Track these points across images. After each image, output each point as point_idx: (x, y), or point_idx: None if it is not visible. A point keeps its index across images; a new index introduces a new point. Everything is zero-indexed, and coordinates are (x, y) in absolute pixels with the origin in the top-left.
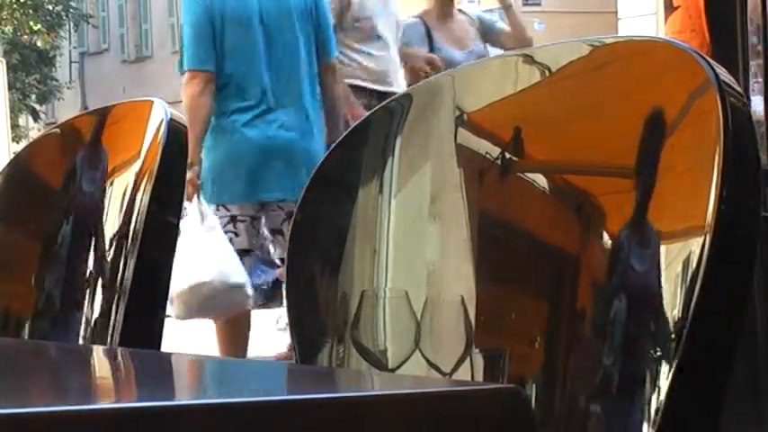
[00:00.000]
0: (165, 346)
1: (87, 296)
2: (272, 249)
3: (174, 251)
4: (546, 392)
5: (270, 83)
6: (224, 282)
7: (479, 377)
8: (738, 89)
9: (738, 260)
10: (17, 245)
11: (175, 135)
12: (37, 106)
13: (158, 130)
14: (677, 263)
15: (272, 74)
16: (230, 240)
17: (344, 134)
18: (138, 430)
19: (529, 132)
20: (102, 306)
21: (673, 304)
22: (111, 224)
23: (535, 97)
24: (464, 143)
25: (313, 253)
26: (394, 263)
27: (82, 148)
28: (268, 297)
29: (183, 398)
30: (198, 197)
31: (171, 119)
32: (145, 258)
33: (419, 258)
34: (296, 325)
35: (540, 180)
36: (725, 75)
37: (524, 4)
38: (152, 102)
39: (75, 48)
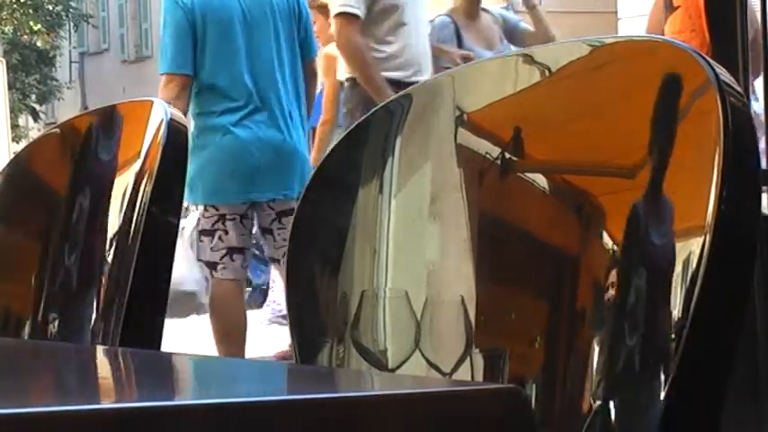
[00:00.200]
0: (165, 346)
1: (87, 296)
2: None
3: (173, 251)
4: (546, 392)
5: (255, 83)
6: (175, 290)
7: (479, 377)
8: (738, 89)
9: (738, 260)
10: (17, 245)
11: (175, 135)
12: (37, 106)
13: (158, 130)
14: (677, 263)
15: (256, 74)
16: (219, 239)
17: (345, 134)
18: (137, 430)
19: (529, 132)
20: (102, 306)
21: (673, 304)
22: (110, 224)
23: (535, 97)
24: (464, 143)
25: (313, 253)
26: (394, 263)
27: (82, 148)
28: (267, 296)
29: (183, 398)
30: None
31: (171, 119)
32: (145, 258)
33: (419, 258)
34: (296, 325)
35: (540, 180)
36: (725, 75)
37: (524, 4)
38: (152, 102)
39: (75, 48)
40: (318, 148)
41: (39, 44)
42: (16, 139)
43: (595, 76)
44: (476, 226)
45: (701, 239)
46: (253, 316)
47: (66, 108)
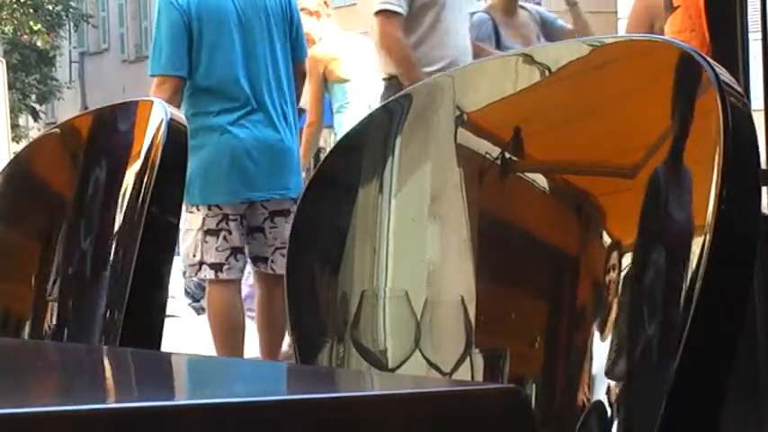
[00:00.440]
0: (165, 346)
1: (87, 296)
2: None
3: (173, 251)
4: (546, 392)
5: (251, 84)
6: None
7: (479, 377)
8: (738, 89)
9: (738, 260)
10: (17, 245)
11: (175, 135)
12: (37, 106)
13: (158, 130)
14: (677, 263)
15: (252, 75)
16: (224, 239)
17: (344, 134)
18: (137, 430)
19: (529, 132)
20: (102, 306)
21: (673, 304)
22: (110, 224)
23: (535, 97)
24: (464, 143)
25: (313, 253)
26: (394, 263)
27: (82, 148)
28: None
29: (183, 398)
30: None
31: (171, 119)
32: (145, 258)
33: (419, 258)
34: (296, 325)
35: (540, 180)
36: (725, 75)
37: (565, 1)
38: (152, 102)
39: (75, 48)
40: (306, 150)
41: (39, 44)
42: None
43: (595, 76)
44: (476, 226)
45: (701, 239)
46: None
47: (66, 108)
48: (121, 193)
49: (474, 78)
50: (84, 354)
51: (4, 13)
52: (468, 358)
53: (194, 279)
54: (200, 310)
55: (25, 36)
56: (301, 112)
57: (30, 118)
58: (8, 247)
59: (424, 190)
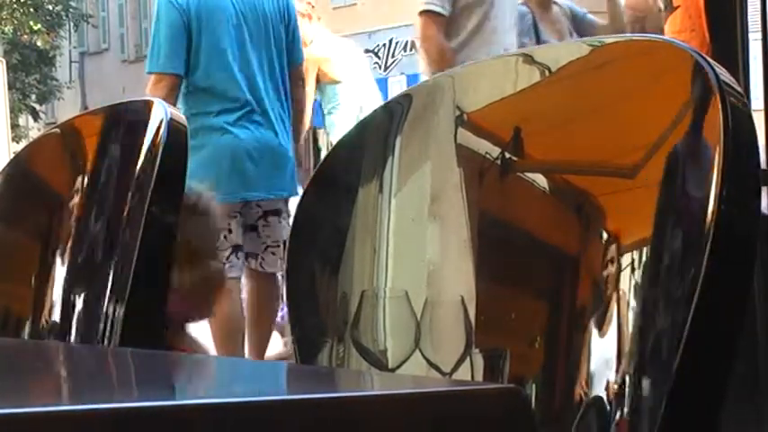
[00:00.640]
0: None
1: (87, 296)
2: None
3: (173, 251)
4: (546, 392)
5: (249, 85)
6: None
7: (479, 377)
8: (738, 89)
9: (738, 260)
10: (17, 245)
11: (175, 135)
12: (37, 106)
13: (158, 130)
14: (677, 263)
15: (250, 77)
16: (225, 237)
17: (344, 134)
18: (137, 430)
19: (529, 132)
20: (102, 306)
21: (673, 304)
22: (110, 224)
23: (535, 97)
24: (464, 143)
25: (313, 253)
26: (394, 263)
27: (82, 148)
28: None
29: (183, 398)
30: None
31: (171, 119)
32: (145, 259)
33: (419, 258)
34: (296, 325)
35: (540, 180)
36: (725, 75)
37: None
38: (152, 101)
39: (75, 48)
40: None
41: (39, 44)
42: (16, 139)
43: (595, 76)
44: (476, 226)
45: (701, 239)
46: None
47: (66, 108)
48: (121, 192)
49: (474, 78)
50: (83, 353)
51: (4, 13)
52: (468, 358)
53: None
54: None
55: (25, 36)
56: None
57: (30, 118)
58: (8, 247)
59: (424, 190)
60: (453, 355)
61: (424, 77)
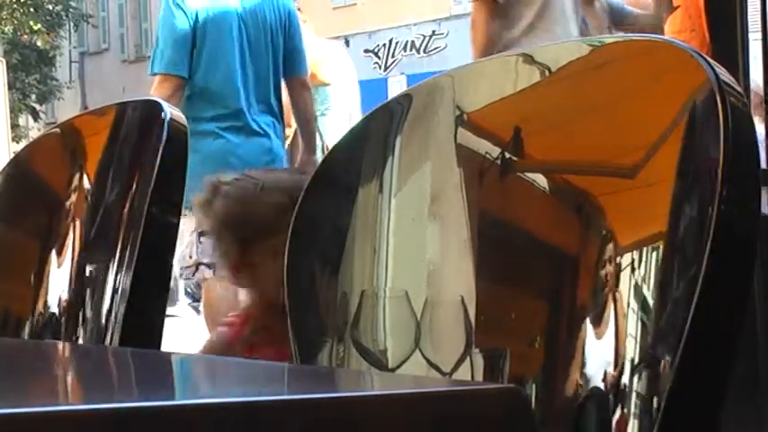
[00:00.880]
0: (165, 346)
1: (87, 296)
2: None
3: (173, 251)
4: (546, 392)
5: (246, 92)
6: None
7: (479, 377)
8: (738, 89)
9: (738, 260)
10: (17, 245)
11: (175, 135)
12: (37, 106)
13: (159, 130)
14: (677, 263)
15: (246, 83)
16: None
17: (344, 134)
18: (137, 430)
19: (529, 132)
20: (102, 306)
21: (672, 304)
22: (110, 224)
23: (535, 97)
24: (464, 143)
25: (313, 253)
26: (394, 263)
27: (82, 148)
28: None
29: (183, 398)
30: None
31: (171, 119)
32: (145, 258)
33: (419, 258)
34: (296, 325)
35: (540, 180)
36: (725, 75)
37: None
38: (152, 101)
39: (75, 48)
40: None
41: (39, 44)
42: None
43: (595, 76)
44: (476, 226)
45: (701, 239)
46: None
47: (66, 108)
48: (121, 193)
49: (474, 78)
50: (83, 353)
51: (4, 13)
52: (468, 358)
53: (193, 280)
54: (200, 310)
55: (25, 36)
56: None
57: (30, 118)
58: (8, 246)
59: (424, 190)
60: (453, 355)
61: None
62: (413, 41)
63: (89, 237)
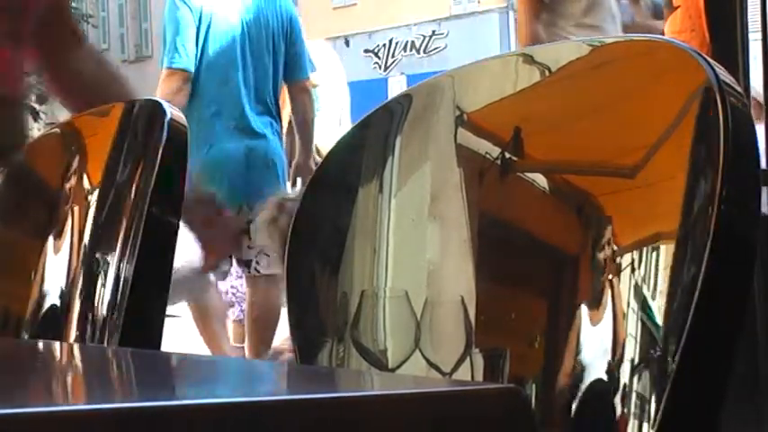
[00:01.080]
0: (165, 346)
1: (87, 296)
2: None
3: (173, 251)
4: (546, 392)
5: (248, 95)
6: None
7: (479, 377)
8: (738, 89)
9: (738, 260)
10: (17, 245)
11: (175, 135)
12: (37, 106)
13: (159, 129)
14: (677, 263)
15: (247, 84)
16: None
17: (345, 134)
18: (137, 430)
19: (529, 132)
20: (102, 306)
21: (672, 304)
22: (110, 224)
23: (535, 97)
24: (464, 143)
25: (313, 253)
26: (394, 263)
27: (82, 148)
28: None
29: (183, 398)
30: None
31: (171, 119)
32: (145, 258)
33: (419, 258)
34: (296, 325)
35: (540, 180)
36: (725, 75)
37: None
38: (152, 101)
39: None
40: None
41: None
42: None
43: (595, 76)
44: (476, 226)
45: (701, 239)
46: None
47: None
48: (122, 192)
49: (474, 78)
50: (84, 353)
51: None
52: (468, 358)
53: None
54: None
55: None
56: None
57: (30, 118)
58: (8, 246)
59: (424, 190)
60: (453, 355)
61: None
62: (413, 41)
63: (89, 237)
